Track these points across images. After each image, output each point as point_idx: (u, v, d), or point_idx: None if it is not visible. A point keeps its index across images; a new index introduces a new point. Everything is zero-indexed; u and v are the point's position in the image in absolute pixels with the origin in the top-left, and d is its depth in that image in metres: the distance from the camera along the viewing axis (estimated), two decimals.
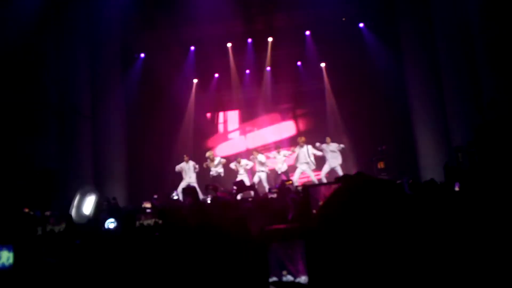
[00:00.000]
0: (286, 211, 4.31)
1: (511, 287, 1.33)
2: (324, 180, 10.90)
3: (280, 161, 11.58)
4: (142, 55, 13.38)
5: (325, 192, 3.24)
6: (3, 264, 2.83)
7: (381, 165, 11.25)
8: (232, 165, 11.90)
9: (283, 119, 14.40)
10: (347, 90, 12.97)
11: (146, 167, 12.69)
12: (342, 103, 13.14)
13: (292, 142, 12.90)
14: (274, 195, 7.30)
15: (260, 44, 13.39)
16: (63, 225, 4.62)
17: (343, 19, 12.63)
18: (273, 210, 4.26)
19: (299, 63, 13.79)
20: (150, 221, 4.71)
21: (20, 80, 9.83)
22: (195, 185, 10.95)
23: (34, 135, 10.13)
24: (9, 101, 9.52)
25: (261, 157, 11.66)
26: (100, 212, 6.74)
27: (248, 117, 14.48)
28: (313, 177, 11.10)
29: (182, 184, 11.45)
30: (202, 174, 11.81)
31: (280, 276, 2.03)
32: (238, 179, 11.03)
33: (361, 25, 12.73)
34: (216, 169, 11.75)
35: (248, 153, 12.77)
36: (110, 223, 4.69)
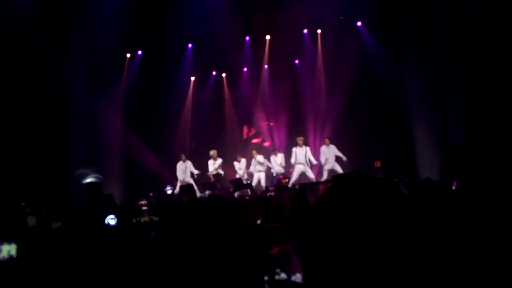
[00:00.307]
0: (283, 208, 4.30)
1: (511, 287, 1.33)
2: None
3: (277, 164, 11.57)
4: (139, 52, 13.34)
5: (322, 190, 3.23)
6: (3, 256, 2.86)
7: (377, 163, 11.27)
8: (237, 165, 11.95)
9: (280, 117, 14.37)
10: (344, 89, 12.97)
11: (142, 165, 12.66)
12: (339, 102, 13.14)
13: (289, 142, 12.88)
14: (272, 193, 7.30)
15: (258, 42, 13.38)
16: (58, 223, 4.60)
17: (341, 17, 12.63)
18: (270, 207, 4.26)
19: (296, 61, 13.79)
20: (147, 219, 4.70)
21: (17, 78, 9.78)
22: (192, 183, 10.96)
23: (31, 133, 10.10)
24: (5, 98, 9.48)
25: (259, 157, 11.68)
26: (96, 204, 6.74)
27: (245, 115, 14.45)
28: (312, 177, 11.10)
29: (179, 183, 11.46)
30: (203, 174, 11.77)
31: (274, 274, 2.02)
32: (236, 177, 11.07)
33: (358, 23, 12.74)
34: (217, 168, 11.75)
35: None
36: (111, 219, 4.69)
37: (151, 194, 10.78)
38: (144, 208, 9.22)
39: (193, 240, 1.18)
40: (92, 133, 11.41)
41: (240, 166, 11.84)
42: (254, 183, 11.30)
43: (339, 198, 0.86)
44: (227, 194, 8.67)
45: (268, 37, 13.31)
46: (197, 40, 13.14)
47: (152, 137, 13.14)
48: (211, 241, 1.17)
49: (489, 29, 8.02)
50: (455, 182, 4.92)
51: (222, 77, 14.32)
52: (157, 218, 4.62)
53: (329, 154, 11.26)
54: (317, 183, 8.94)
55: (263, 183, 11.39)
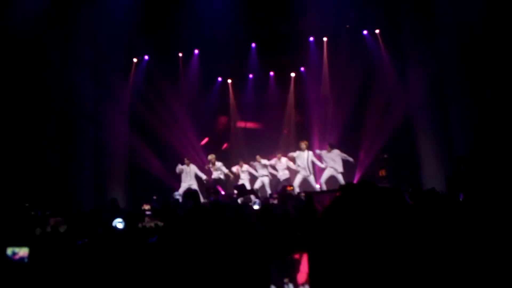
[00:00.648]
0: (287, 217, 4.29)
1: None
2: (324, 187, 10.85)
3: (281, 168, 11.56)
4: (146, 57, 13.40)
5: (329, 199, 3.22)
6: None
7: (382, 173, 11.23)
8: (234, 169, 11.89)
9: (285, 124, 14.37)
10: (350, 97, 12.95)
11: (147, 170, 12.67)
12: (344, 110, 13.12)
13: (294, 147, 12.86)
14: (275, 201, 7.29)
15: (264, 50, 13.43)
16: (64, 227, 4.61)
17: (347, 26, 12.67)
18: (273, 216, 4.24)
19: (302, 68, 13.81)
20: (152, 224, 4.70)
21: (24, 81, 9.86)
22: (196, 188, 10.95)
23: (36, 136, 10.16)
24: (12, 101, 9.54)
25: (263, 161, 11.68)
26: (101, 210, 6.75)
27: (250, 121, 14.46)
28: (314, 183, 11.08)
29: (183, 187, 11.44)
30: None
31: (281, 284, 2.01)
32: (240, 183, 11.04)
33: (365, 32, 12.76)
34: (217, 173, 11.75)
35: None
36: (118, 223, 4.69)
37: (154, 197, 10.78)
38: (147, 213, 9.24)
39: (196, 247, 1.18)
40: (98, 136, 11.46)
41: (243, 171, 11.81)
42: (257, 187, 11.29)
43: (348, 208, 0.86)
44: (230, 200, 8.66)
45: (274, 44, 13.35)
46: (204, 46, 13.20)
47: (156, 141, 13.15)
48: (214, 249, 1.17)
49: (495, 38, 8.02)
50: (461, 194, 4.90)
51: (227, 83, 14.35)
52: (161, 224, 4.62)
53: (329, 160, 11.17)
54: (323, 192, 8.92)
55: (267, 188, 11.36)
